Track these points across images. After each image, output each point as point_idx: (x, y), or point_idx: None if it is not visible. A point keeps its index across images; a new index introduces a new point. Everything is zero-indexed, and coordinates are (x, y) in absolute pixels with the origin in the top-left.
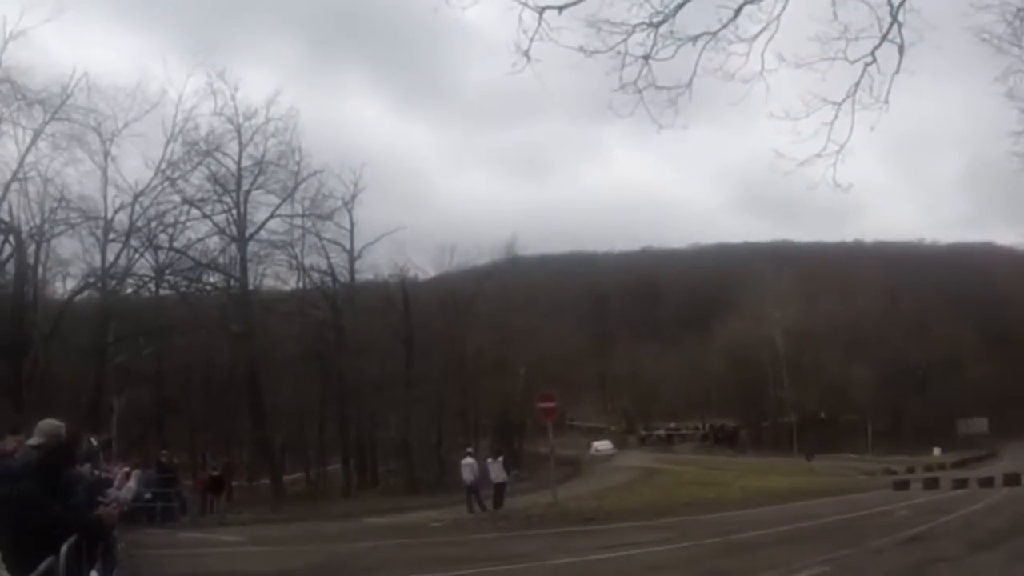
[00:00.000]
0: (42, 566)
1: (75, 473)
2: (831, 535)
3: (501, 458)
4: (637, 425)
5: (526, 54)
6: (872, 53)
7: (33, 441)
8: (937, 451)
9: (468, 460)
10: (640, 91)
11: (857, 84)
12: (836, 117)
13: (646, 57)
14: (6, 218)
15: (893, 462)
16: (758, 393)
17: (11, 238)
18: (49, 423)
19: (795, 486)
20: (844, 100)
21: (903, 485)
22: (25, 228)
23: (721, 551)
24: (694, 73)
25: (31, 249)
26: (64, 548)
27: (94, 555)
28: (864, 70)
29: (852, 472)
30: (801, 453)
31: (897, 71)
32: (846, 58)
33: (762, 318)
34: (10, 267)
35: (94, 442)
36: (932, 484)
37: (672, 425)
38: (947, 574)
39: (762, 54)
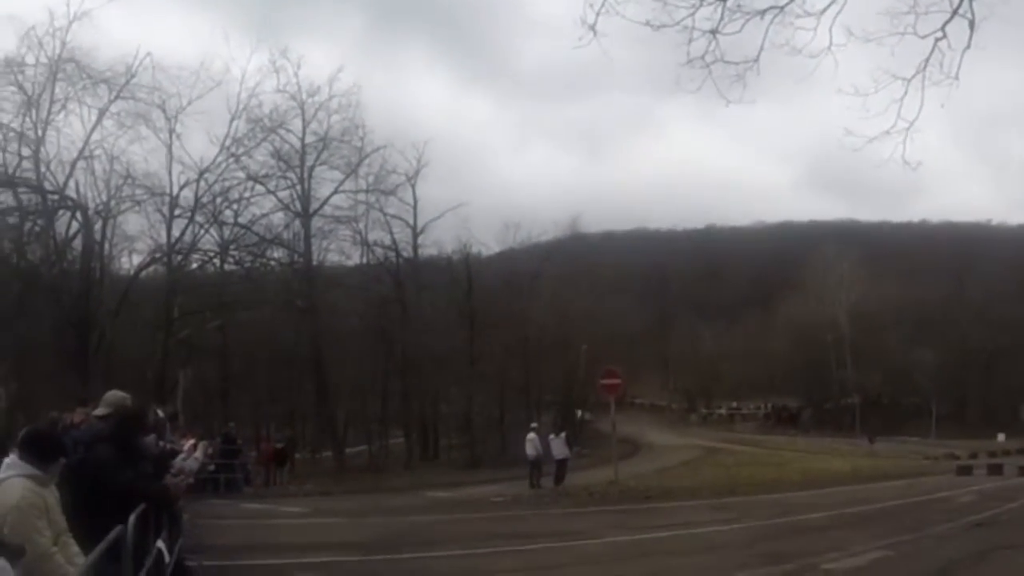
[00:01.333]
0: (111, 534)
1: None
2: (893, 519)
3: (564, 434)
4: (698, 404)
5: (592, 28)
6: (942, 28)
7: (100, 412)
8: (1001, 436)
9: (531, 435)
10: (708, 66)
11: (927, 60)
12: (906, 93)
13: (713, 31)
14: (73, 196)
15: (956, 447)
16: (821, 374)
17: (78, 215)
18: (115, 394)
19: (857, 469)
20: (914, 76)
21: (966, 470)
22: (92, 205)
23: (781, 532)
24: (762, 48)
25: (98, 226)
26: (132, 517)
27: (160, 524)
28: (934, 45)
29: (914, 456)
30: (863, 435)
31: (968, 46)
32: (916, 33)
33: (826, 298)
34: (77, 243)
35: (160, 414)
36: (996, 470)
37: (733, 405)
38: (1011, 561)
39: (830, 28)
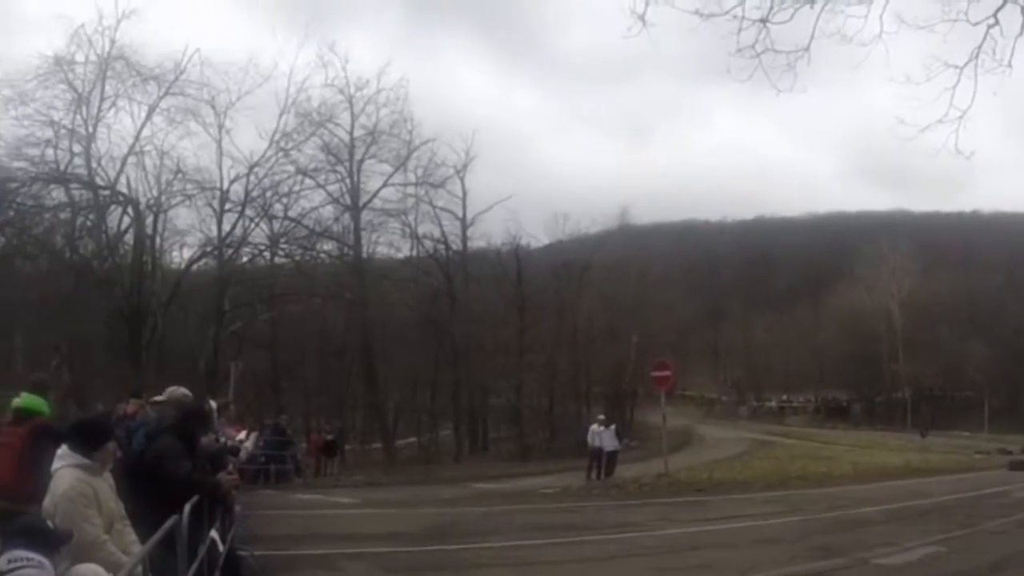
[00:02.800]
0: (167, 524)
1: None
2: (945, 514)
3: (613, 426)
4: (748, 396)
5: (641, 18)
6: (995, 15)
7: (157, 398)
8: None
9: (595, 427)
10: (758, 55)
11: (979, 47)
12: (958, 81)
13: (763, 20)
14: (124, 191)
15: (1009, 441)
16: (872, 366)
17: (130, 210)
18: (176, 390)
19: (908, 463)
20: (966, 64)
21: (1019, 465)
22: (143, 200)
23: (832, 526)
24: (812, 36)
25: (149, 220)
26: (187, 507)
27: (214, 515)
28: (986, 32)
29: (966, 450)
30: (915, 429)
31: (1021, 33)
32: (967, 20)
33: (877, 290)
34: (129, 238)
35: (213, 405)
36: None
37: (784, 397)
38: None
39: (881, 16)
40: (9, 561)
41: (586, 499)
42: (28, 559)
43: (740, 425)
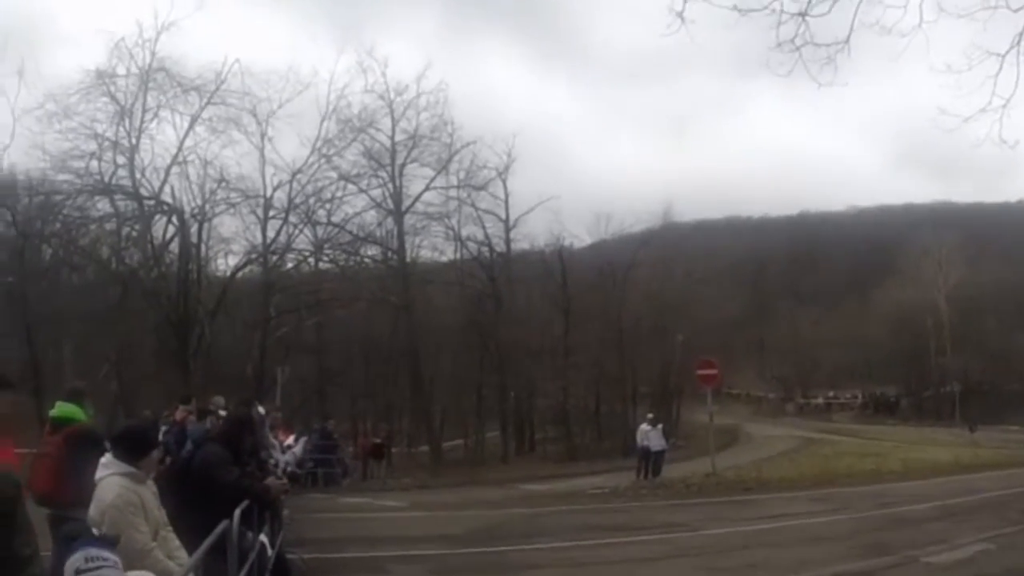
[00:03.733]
0: (218, 529)
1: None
2: (996, 511)
3: (660, 425)
4: (795, 393)
5: (680, 15)
6: None
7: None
8: None
9: (644, 426)
10: (798, 49)
11: (1021, 34)
12: (1000, 69)
13: (802, 14)
14: (169, 200)
15: None
16: (920, 361)
17: (174, 219)
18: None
19: (957, 458)
20: (1008, 51)
21: None
22: (187, 209)
23: (881, 524)
24: (851, 28)
25: (194, 229)
26: (237, 512)
27: (263, 519)
28: None
29: (1017, 445)
30: (964, 424)
31: None
32: (1008, 6)
33: (924, 283)
34: (174, 247)
35: (262, 411)
36: None
37: (831, 394)
38: None
39: (920, 5)
40: (87, 559)
41: (634, 499)
42: (105, 559)
43: (787, 422)
